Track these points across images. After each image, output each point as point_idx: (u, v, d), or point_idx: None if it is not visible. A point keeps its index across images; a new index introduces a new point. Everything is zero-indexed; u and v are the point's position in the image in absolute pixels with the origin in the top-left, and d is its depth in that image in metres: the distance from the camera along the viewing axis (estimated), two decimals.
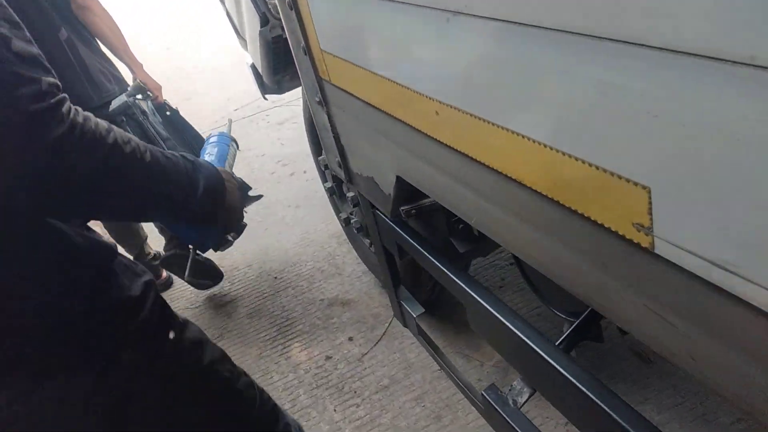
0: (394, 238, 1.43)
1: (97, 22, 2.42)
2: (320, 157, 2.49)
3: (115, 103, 2.35)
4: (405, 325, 1.81)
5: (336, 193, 2.61)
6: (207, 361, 1.05)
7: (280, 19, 2.67)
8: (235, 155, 1.57)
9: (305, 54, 1.33)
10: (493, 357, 2.25)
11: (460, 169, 0.88)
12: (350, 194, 2.38)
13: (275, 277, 3.02)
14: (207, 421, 1.07)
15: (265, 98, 3.34)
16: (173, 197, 0.92)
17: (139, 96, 2.48)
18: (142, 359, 0.94)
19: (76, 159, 0.75)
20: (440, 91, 0.84)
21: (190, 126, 2.80)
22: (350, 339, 2.51)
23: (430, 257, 1.22)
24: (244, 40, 3.15)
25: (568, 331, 1.23)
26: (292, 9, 1.27)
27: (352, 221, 2.49)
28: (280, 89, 3.21)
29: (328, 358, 2.45)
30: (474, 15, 0.67)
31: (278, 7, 1.37)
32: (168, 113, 2.68)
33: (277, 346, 2.58)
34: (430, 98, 0.88)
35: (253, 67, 3.18)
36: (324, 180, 2.66)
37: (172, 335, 0.99)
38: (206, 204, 0.98)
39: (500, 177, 0.78)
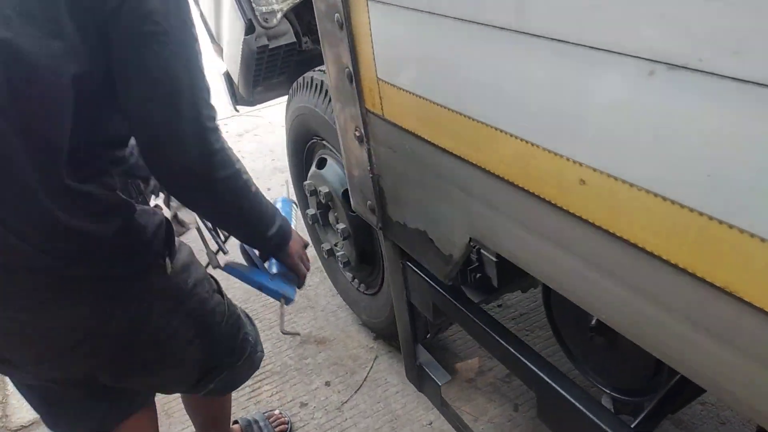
0: (432, 299, 1.24)
1: None
2: (306, 182, 2.27)
3: None
4: (420, 390, 1.61)
5: (319, 222, 2.39)
6: (191, 284, 1.28)
7: (267, 28, 2.47)
8: (297, 217, 1.73)
9: (350, 81, 1.12)
10: (487, 412, 2.08)
11: (612, 258, 0.70)
12: (341, 226, 2.17)
13: None
14: (185, 335, 1.28)
15: (236, 110, 3.09)
16: (256, 223, 1.26)
17: None
18: (156, 280, 1.18)
19: (214, 169, 1.05)
20: (598, 159, 0.66)
21: None
22: (327, 384, 2.28)
23: (494, 334, 1.04)
24: (220, 47, 2.88)
25: (647, 411, 1.07)
26: (342, 28, 1.07)
27: (337, 254, 2.27)
28: (252, 102, 2.98)
29: (303, 404, 2.21)
30: (718, 75, 0.50)
31: (318, 25, 1.15)
32: None
33: (245, 387, 2.29)
34: (573, 162, 0.70)
35: (227, 75, 2.92)
36: (306, 206, 2.43)
37: (170, 265, 1.20)
38: (274, 241, 1.31)
39: (706, 288, 0.60)
